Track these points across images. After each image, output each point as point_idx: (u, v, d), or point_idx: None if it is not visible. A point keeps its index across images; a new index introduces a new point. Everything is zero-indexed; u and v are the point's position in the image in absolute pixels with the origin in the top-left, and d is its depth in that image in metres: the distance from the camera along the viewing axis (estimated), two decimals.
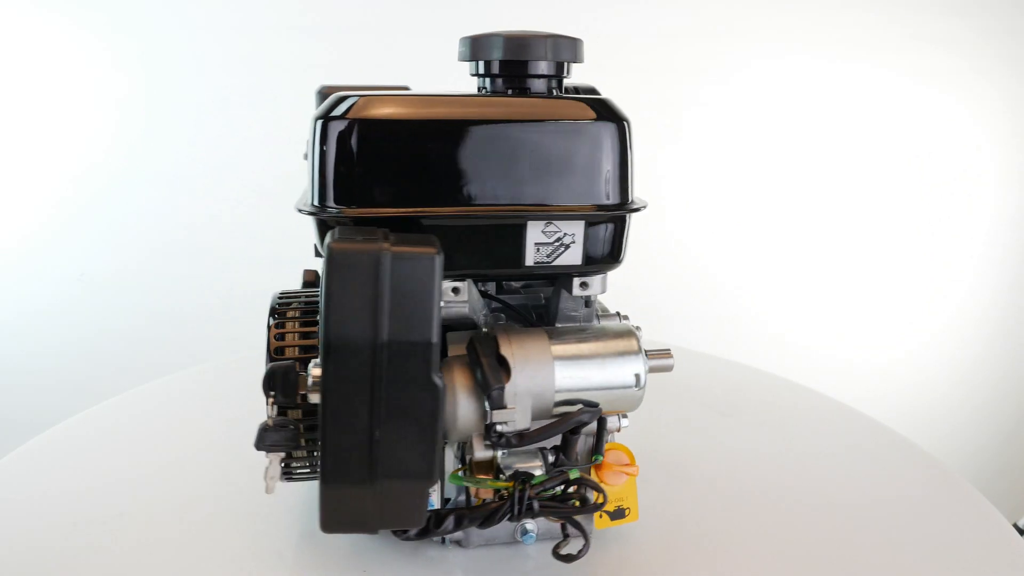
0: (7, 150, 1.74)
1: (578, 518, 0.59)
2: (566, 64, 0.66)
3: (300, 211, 0.57)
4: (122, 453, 0.86)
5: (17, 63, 1.71)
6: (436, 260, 0.49)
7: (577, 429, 0.61)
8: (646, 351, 0.75)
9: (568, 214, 0.58)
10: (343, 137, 0.54)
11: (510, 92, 0.62)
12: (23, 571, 0.65)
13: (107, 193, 1.75)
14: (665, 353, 0.76)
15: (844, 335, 1.98)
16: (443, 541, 0.68)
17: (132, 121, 1.75)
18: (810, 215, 1.90)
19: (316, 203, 0.56)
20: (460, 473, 0.60)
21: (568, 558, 0.57)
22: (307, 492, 0.75)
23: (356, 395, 0.49)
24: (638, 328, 0.67)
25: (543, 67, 0.63)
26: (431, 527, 0.57)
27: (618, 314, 0.68)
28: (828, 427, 0.98)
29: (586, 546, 0.58)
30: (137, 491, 0.77)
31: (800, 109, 1.83)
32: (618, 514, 0.69)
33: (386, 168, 0.55)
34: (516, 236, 0.58)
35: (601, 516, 0.69)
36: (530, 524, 0.70)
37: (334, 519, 0.52)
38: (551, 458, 0.62)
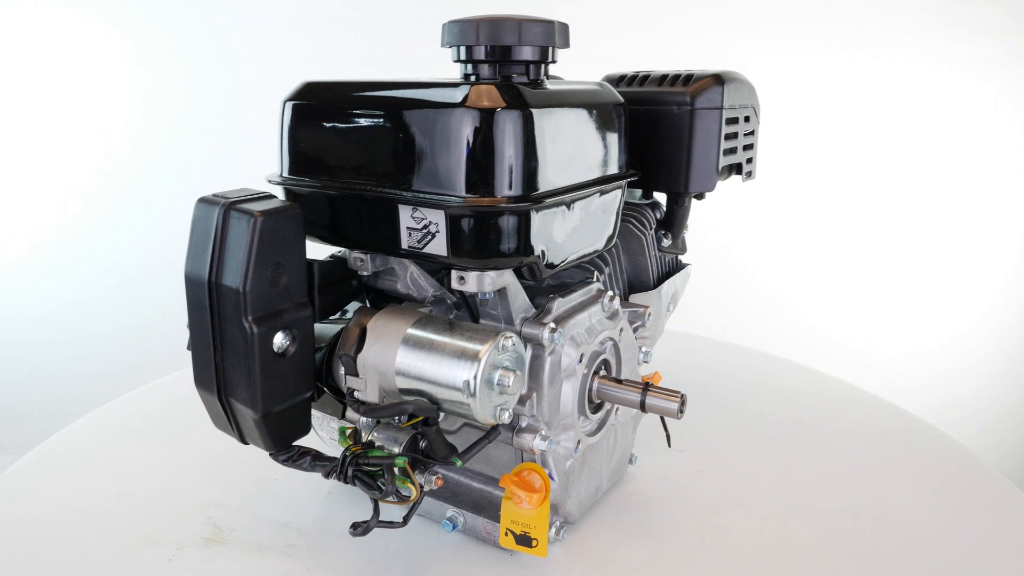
0: (42, 146, 1.99)
1: (383, 502, 0.61)
2: (550, 49, 0.65)
3: (269, 181, 0.71)
4: (158, 438, 0.94)
5: (53, 61, 1.94)
6: (256, 222, 0.59)
7: (428, 422, 0.62)
8: (652, 385, 0.69)
9: (428, 201, 0.59)
10: (282, 115, 0.68)
11: (475, 79, 0.65)
12: (67, 546, 0.73)
13: (139, 185, 1.98)
14: (672, 395, 0.69)
15: (879, 327, 2.09)
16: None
17: (163, 114, 1.95)
18: (846, 207, 2.02)
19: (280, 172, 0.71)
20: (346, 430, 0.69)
21: (354, 528, 0.61)
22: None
23: (203, 320, 0.63)
24: (536, 344, 0.63)
25: (527, 52, 0.65)
26: (294, 459, 0.66)
27: (548, 325, 0.64)
28: (862, 420, 1.02)
29: (367, 525, 0.60)
30: (174, 474, 0.85)
31: (831, 98, 1.95)
32: (523, 540, 0.68)
33: (295, 144, 0.67)
34: (391, 218, 0.62)
35: (507, 534, 0.68)
36: (450, 512, 0.73)
37: (213, 421, 0.68)
38: (422, 445, 0.65)
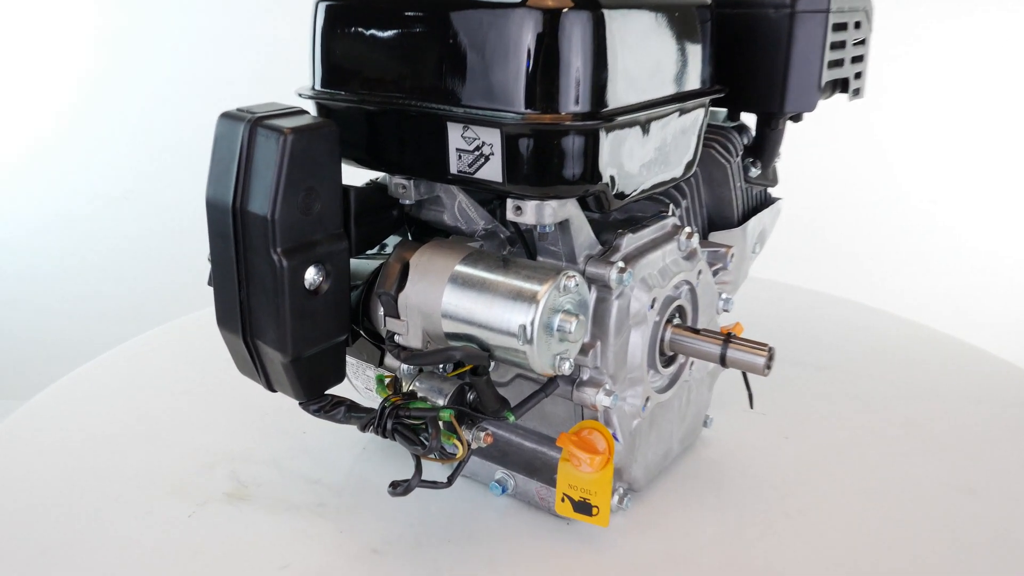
0: (58, 78, 2.05)
1: (425, 459, 0.59)
2: None
3: (299, 94, 0.68)
4: (178, 382, 0.94)
5: None
6: (286, 140, 0.55)
7: (477, 372, 0.59)
8: (735, 337, 0.67)
9: (482, 118, 0.55)
10: (314, 19, 0.63)
11: None
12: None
13: (155, 100, 2.00)
14: (759, 349, 0.65)
15: (999, 280, 2.01)
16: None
17: (184, 20, 1.95)
18: (967, 135, 1.94)
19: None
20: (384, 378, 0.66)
21: (393, 488, 0.58)
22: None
23: (226, 252, 0.60)
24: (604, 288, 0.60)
25: None
26: (326, 409, 0.64)
27: (616, 264, 0.59)
28: (976, 382, 1.00)
29: (408, 484, 0.58)
30: (194, 422, 0.86)
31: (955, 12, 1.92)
32: (582, 507, 0.66)
33: (330, 52, 0.63)
34: (439, 137, 0.58)
35: (564, 500, 0.65)
36: (500, 473, 0.71)
37: (238, 365, 0.66)
38: (470, 397, 0.61)
